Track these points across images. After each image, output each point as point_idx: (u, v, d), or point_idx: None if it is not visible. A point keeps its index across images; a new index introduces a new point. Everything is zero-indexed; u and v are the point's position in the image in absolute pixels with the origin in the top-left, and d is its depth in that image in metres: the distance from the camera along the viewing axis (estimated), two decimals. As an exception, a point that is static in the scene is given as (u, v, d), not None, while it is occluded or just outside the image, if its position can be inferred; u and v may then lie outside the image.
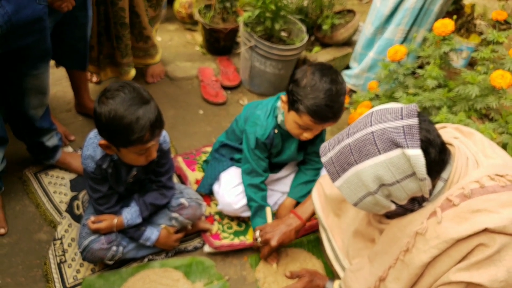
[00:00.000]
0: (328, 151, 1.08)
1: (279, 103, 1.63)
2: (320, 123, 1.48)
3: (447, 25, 1.79)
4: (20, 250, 1.62)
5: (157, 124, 1.30)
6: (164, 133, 1.54)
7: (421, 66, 2.06)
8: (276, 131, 1.65)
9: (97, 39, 2.08)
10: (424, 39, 2.21)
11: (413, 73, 2.05)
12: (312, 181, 1.83)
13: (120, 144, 1.30)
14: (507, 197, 0.97)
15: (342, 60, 2.75)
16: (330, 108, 1.43)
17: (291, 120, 1.54)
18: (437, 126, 1.24)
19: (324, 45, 2.78)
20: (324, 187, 1.54)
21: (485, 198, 0.97)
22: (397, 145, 0.97)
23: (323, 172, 1.86)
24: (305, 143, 1.77)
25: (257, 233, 1.63)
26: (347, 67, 2.73)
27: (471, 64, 2.75)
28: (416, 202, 1.07)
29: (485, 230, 0.95)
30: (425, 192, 1.02)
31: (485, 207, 0.96)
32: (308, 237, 1.85)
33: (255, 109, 1.70)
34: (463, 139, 1.13)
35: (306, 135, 1.55)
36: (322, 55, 2.68)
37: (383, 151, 0.98)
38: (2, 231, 1.65)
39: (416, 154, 0.95)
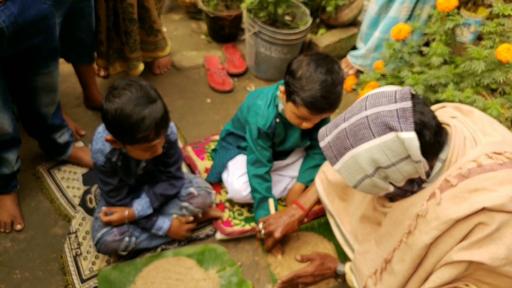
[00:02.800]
0: (326, 136, 1.09)
1: (278, 93, 1.63)
2: (317, 114, 1.48)
3: (450, 0, 1.74)
4: (37, 245, 1.67)
5: (163, 124, 1.31)
6: (171, 124, 1.56)
7: (427, 43, 2.02)
8: (277, 120, 1.65)
9: (106, 34, 2.09)
10: (430, 16, 2.16)
11: (420, 51, 2.01)
12: (320, 165, 1.83)
13: (126, 142, 1.32)
14: (504, 174, 0.96)
15: (348, 41, 2.71)
16: (326, 99, 1.42)
17: (289, 111, 1.54)
18: (437, 106, 1.23)
19: (330, 26, 2.74)
20: (327, 174, 1.55)
21: (482, 177, 0.97)
22: (391, 129, 0.97)
23: None
24: (309, 129, 1.77)
25: (260, 225, 1.63)
26: (354, 48, 2.69)
27: (480, 38, 2.68)
28: (415, 183, 1.07)
29: (484, 209, 0.94)
30: (422, 173, 1.02)
31: (483, 186, 0.96)
32: (319, 220, 1.86)
33: (256, 99, 1.70)
34: (462, 117, 1.12)
35: (305, 125, 1.56)
36: (327, 37, 2.65)
37: (378, 134, 0.98)
38: (19, 227, 1.71)
39: (410, 137, 0.95)
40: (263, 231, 1.62)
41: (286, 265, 1.68)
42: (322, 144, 1.10)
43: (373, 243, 1.30)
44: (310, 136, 1.81)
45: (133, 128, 1.25)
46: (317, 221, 1.86)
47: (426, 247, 1.05)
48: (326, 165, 1.60)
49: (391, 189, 1.06)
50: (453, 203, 0.98)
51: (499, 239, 0.95)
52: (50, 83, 1.61)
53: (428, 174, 1.05)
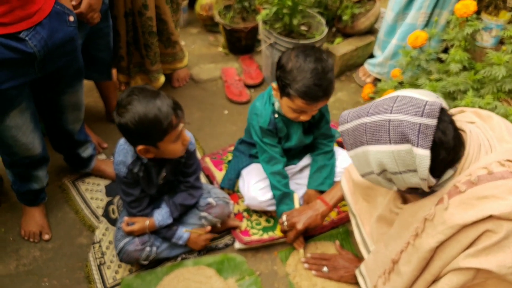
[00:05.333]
0: (346, 123, 1.10)
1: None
2: (313, 104, 1.51)
3: (468, 6, 1.73)
4: (63, 254, 1.74)
5: (176, 106, 1.37)
6: (189, 134, 1.60)
7: (447, 49, 2.00)
8: (276, 115, 1.69)
9: (126, 50, 2.16)
10: (448, 22, 2.14)
11: (439, 58, 2.00)
12: (324, 165, 1.84)
13: (156, 139, 1.36)
14: None
15: (365, 49, 2.71)
16: (319, 86, 1.46)
17: (285, 106, 1.58)
18: (455, 110, 1.23)
19: (346, 35, 2.75)
20: (351, 174, 1.57)
21: (492, 185, 0.97)
22: (408, 141, 0.97)
23: (337, 155, 1.89)
24: (311, 127, 1.80)
25: (284, 217, 1.67)
26: (371, 56, 2.69)
27: (502, 42, 2.63)
28: (418, 190, 1.08)
29: (491, 217, 0.94)
30: (424, 187, 1.03)
31: (492, 194, 0.96)
32: (338, 229, 1.86)
33: (254, 102, 1.76)
34: (480, 123, 1.11)
35: (303, 118, 1.59)
36: (344, 46, 2.66)
37: (394, 142, 0.99)
38: (47, 237, 1.78)
39: (423, 155, 0.96)
40: (286, 223, 1.65)
41: (304, 275, 1.68)
42: (341, 128, 1.12)
43: (382, 244, 1.32)
44: (313, 133, 1.83)
45: (155, 121, 1.30)
46: (336, 230, 1.85)
47: (432, 250, 1.06)
48: (351, 165, 1.62)
49: (395, 188, 1.09)
50: (460, 209, 0.99)
51: (507, 247, 0.95)
52: (75, 102, 1.68)
53: (435, 185, 1.06)
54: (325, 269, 1.65)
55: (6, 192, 1.94)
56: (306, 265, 1.69)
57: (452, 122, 1.02)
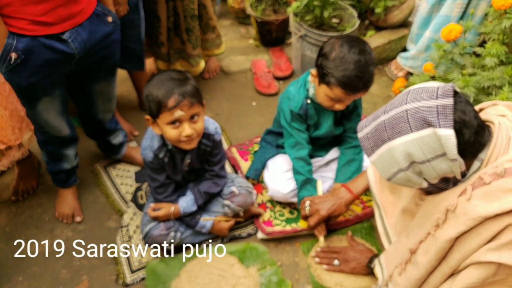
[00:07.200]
0: (365, 127, 1.10)
1: (309, 77, 1.67)
2: (351, 94, 1.51)
3: (506, -3, 1.65)
4: (93, 236, 1.81)
5: (183, 93, 1.37)
6: (216, 124, 1.64)
7: (484, 43, 1.92)
8: (308, 101, 1.69)
9: (167, 36, 2.21)
10: (486, 14, 2.06)
11: (475, 52, 1.92)
12: (353, 160, 1.82)
13: (153, 115, 1.42)
14: None
15: (398, 43, 2.65)
16: (361, 78, 1.46)
17: (322, 93, 1.58)
18: (488, 103, 1.20)
19: (379, 28, 2.69)
20: None
21: None
22: (429, 124, 0.96)
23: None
24: (342, 118, 1.79)
25: (307, 202, 1.66)
26: (404, 50, 2.62)
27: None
28: (450, 182, 1.06)
29: None
30: (457, 173, 1.00)
31: None
32: (362, 224, 1.84)
33: (288, 87, 1.76)
34: None
35: (338, 107, 1.59)
36: (376, 39, 2.61)
37: (415, 129, 0.98)
38: (79, 219, 1.86)
39: (448, 134, 0.94)
40: (308, 208, 1.64)
41: (326, 267, 1.68)
42: (360, 135, 1.11)
43: (404, 235, 1.30)
44: (343, 126, 1.82)
45: (155, 96, 1.37)
46: (360, 225, 1.84)
47: (451, 240, 1.04)
48: None
49: (425, 184, 1.06)
50: (483, 200, 0.97)
51: None
52: (107, 93, 1.75)
53: (464, 175, 1.04)
54: (336, 262, 1.64)
55: (43, 176, 2.04)
56: (316, 259, 1.67)
57: (468, 103, 1.01)
